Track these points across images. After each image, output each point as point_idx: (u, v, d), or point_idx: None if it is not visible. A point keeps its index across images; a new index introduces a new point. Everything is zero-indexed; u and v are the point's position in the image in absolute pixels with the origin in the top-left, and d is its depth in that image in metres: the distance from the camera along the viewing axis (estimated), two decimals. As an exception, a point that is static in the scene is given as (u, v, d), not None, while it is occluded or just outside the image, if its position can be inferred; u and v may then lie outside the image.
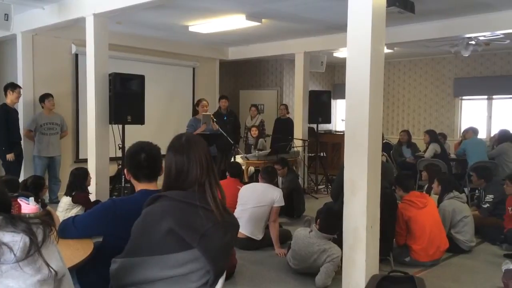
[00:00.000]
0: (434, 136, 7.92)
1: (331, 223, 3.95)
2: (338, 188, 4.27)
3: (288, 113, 9.09)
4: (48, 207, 3.35)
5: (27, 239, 1.20)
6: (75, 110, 7.40)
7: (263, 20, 6.55)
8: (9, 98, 6.28)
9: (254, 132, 8.42)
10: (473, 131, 8.00)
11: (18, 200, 1.99)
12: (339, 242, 3.81)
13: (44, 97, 6.70)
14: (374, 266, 3.57)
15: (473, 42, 7.08)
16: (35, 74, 6.92)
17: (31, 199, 2.04)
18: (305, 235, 4.09)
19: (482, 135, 8.91)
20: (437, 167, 6.33)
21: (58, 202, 5.38)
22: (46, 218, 1.38)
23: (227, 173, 5.52)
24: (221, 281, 1.86)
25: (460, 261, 4.70)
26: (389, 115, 11.22)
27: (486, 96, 10.11)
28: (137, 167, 2.34)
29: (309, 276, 4.03)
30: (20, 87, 6.39)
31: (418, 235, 4.48)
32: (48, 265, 1.22)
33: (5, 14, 4.88)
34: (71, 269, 1.65)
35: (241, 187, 5.15)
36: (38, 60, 6.93)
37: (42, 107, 6.74)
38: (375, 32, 3.43)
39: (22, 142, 6.63)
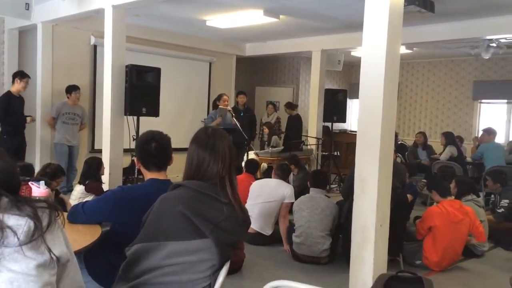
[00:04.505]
0: (451, 139, 7.80)
1: (319, 178, 4.76)
2: (349, 186, 4.23)
3: (293, 110, 9.08)
4: (62, 195, 3.42)
5: (31, 224, 1.19)
6: (92, 101, 7.49)
7: (280, 16, 6.53)
8: (15, 87, 6.21)
9: (266, 130, 8.47)
10: (491, 134, 7.79)
11: (29, 183, 2.02)
12: (346, 239, 3.80)
13: (72, 89, 6.73)
14: (382, 265, 3.54)
15: (494, 44, 6.97)
16: (54, 64, 7.00)
17: (42, 182, 2.07)
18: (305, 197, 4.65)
19: (500, 139, 8.74)
20: (451, 169, 6.24)
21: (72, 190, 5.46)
22: (52, 202, 1.38)
23: (243, 169, 5.53)
24: (223, 273, 1.87)
25: (471, 266, 4.63)
26: (406, 116, 11.09)
27: (506, 100, 9.94)
28: (147, 156, 2.36)
29: (318, 273, 4.01)
30: (29, 77, 6.32)
31: (436, 244, 4.33)
32: (50, 250, 1.21)
33: (26, 4, 4.94)
34: (78, 253, 1.66)
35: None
36: (58, 50, 7.01)
37: (68, 98, 6.77)
38: (391, 31, 3.38)
39: (39, 129, 6.71)
